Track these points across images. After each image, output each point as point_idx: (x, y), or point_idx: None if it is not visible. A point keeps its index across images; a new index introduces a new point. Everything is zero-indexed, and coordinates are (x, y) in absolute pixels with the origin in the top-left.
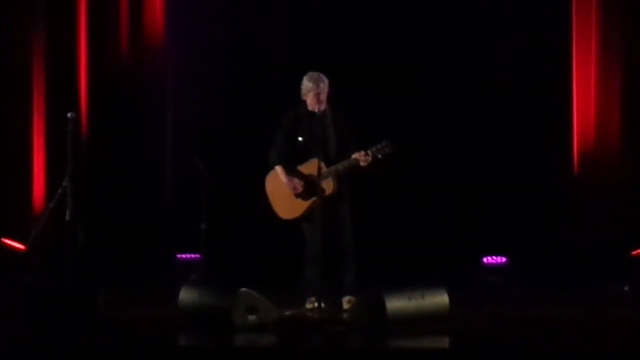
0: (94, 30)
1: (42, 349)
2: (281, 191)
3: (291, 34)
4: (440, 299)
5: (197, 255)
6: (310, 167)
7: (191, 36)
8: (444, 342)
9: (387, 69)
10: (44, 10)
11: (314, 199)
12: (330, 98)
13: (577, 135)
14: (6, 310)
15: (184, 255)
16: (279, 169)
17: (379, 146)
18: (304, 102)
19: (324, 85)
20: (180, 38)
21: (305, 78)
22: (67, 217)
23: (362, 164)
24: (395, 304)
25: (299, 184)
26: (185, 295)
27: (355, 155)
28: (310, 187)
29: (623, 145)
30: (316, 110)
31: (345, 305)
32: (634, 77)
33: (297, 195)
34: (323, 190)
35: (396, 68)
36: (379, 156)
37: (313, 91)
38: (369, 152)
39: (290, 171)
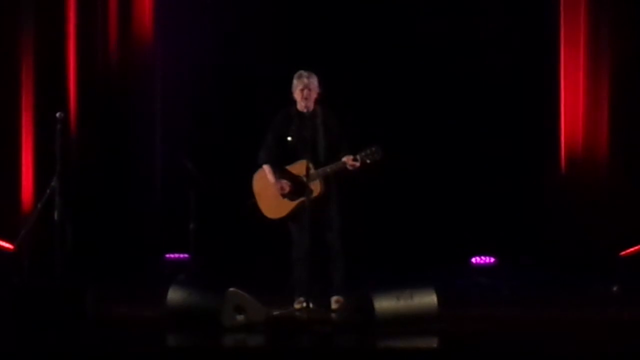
0: (83, 29)
1: (31, 348)
2: (268, 190)
3: (282, 35)
4: (428, 299)
5: (186, 255)
6: (298, 168)
7: (180, 36)
8: (433, 342)
9: (377, 71)
10: (32, 9)
11: (300, 199)
12: (322, 100)
13: (565, 137)
14: None
15: (172, 255)
16: (266, 167)
17: (368, 151)
18: (295, 102)
19: (309, 80)
20: (169, 38)
21: (294, 76)
22: (56, 216)
23: (349, 168)
24: (384, 304)
25: (286, 184)
26: (174, 295)
27: (344, 159)
28: (297, 187)
29: (610, 147)
30: (304, 108)
31: (334, 305)
32: (622, 79)
33: (284, 196)
34: (311, 192)
35: (385, 70)
36: (368, 161)
37: (299, 86)
38: (358, 157)
39: (279, 171)
